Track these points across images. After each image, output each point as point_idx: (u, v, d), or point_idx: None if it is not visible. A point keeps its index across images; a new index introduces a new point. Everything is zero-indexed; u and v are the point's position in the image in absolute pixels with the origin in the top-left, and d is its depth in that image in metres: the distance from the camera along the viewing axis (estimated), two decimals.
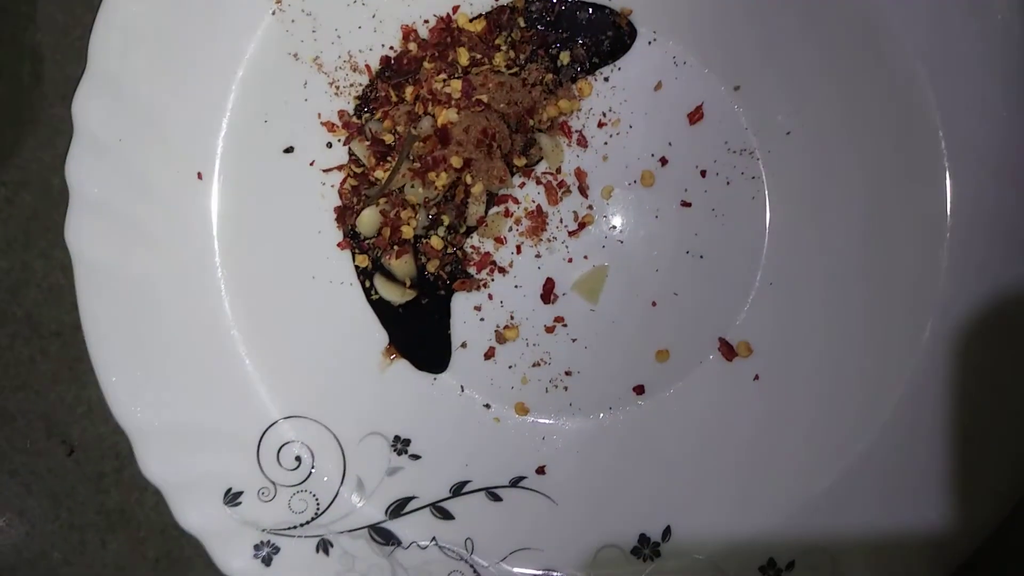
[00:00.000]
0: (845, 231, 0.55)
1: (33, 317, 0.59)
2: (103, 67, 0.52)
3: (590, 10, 0.56)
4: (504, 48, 0.56)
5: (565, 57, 0.56)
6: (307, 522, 0.54)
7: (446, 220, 0.56)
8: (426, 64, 0.56)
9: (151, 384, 0.54)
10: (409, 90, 0.55)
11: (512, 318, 0.57)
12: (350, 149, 0.57)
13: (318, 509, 0.54)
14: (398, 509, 0.55)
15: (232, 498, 0.53)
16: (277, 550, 0.54)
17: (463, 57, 0.55)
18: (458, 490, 0.56)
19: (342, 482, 0.55)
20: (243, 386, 0.55)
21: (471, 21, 0.56)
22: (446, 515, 0.56)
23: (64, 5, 0.58)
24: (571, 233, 0.57)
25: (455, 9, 0.56)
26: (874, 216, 0.54)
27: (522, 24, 0.56)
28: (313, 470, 0.55)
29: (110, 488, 0.60)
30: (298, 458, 0.55)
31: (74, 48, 0.58)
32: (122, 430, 0.53)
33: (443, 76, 0.55)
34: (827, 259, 0.55)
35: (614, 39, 0.56)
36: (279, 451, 0.55)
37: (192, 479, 0.53)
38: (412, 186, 0.56)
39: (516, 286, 0.57)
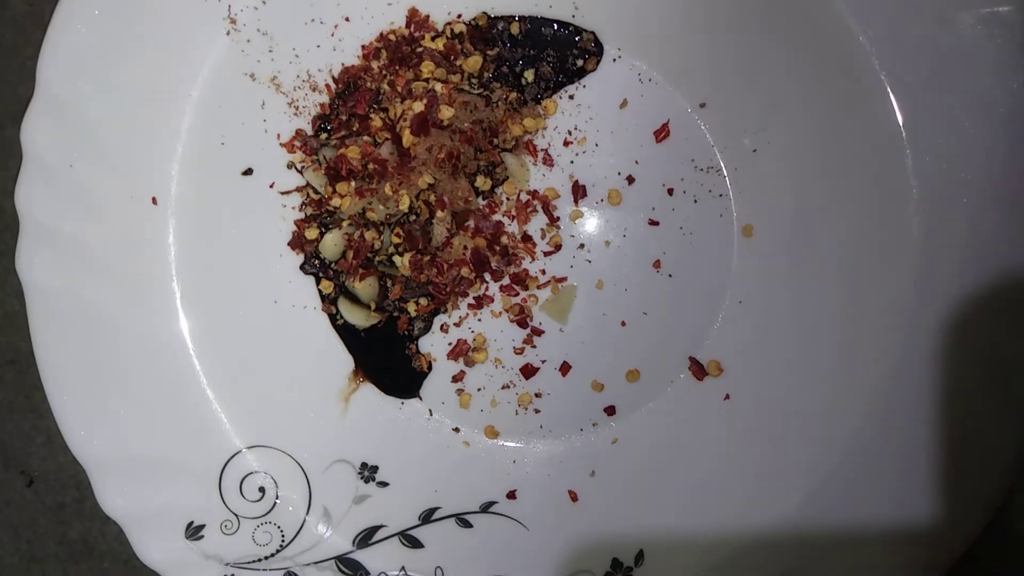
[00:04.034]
0: (813, 248, 0.54)
1: None
2: (52, 90, 0.50)
3: (555, 27, 0.55)
4: (467, 67, 0.55)
5: (530, 75, 0.55)
6: (272, 555, 0.53)
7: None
8: (385, 86, 0.55)
9: (108, 415, 0.52)
10: (377, 121, 0.54)
11: (480, 340, 0.57)
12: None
13: (283, 541, 0.53)
14: (366, 538, 0.54)
15: (194, 532, 0.52)
16: None
17: (427, 69, 0.54)
18: (427, 517, 0.55)
19: (308, 512, 0.54)
20: (204, 415, 0.54)
21: (433, 39, 0.55)
22: (415, 543, 0.55)
23: (14, 24, 0.57)
24: (544, 253, 0.56)
25: (418, 26, 0.55)
26: (842, 233, 0.54)
27: (486, 42, 0.55)
28: (277, 501, 0.54)
29: (71, 519, 0.59)
30: (262, 489, 0.54)
31: (25, 68, 0.56)
32: None
33: (406, 99, 0.54)
34: (796, 276, 0.55)
35: (579, 57, 0.55)
36: (242, 482, 0.54)
37: (152, 512, 0.52)
38: (370, 203, 0.55)
39: (483, 307, 0.57)
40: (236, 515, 0.53)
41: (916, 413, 0.51)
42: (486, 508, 0.55)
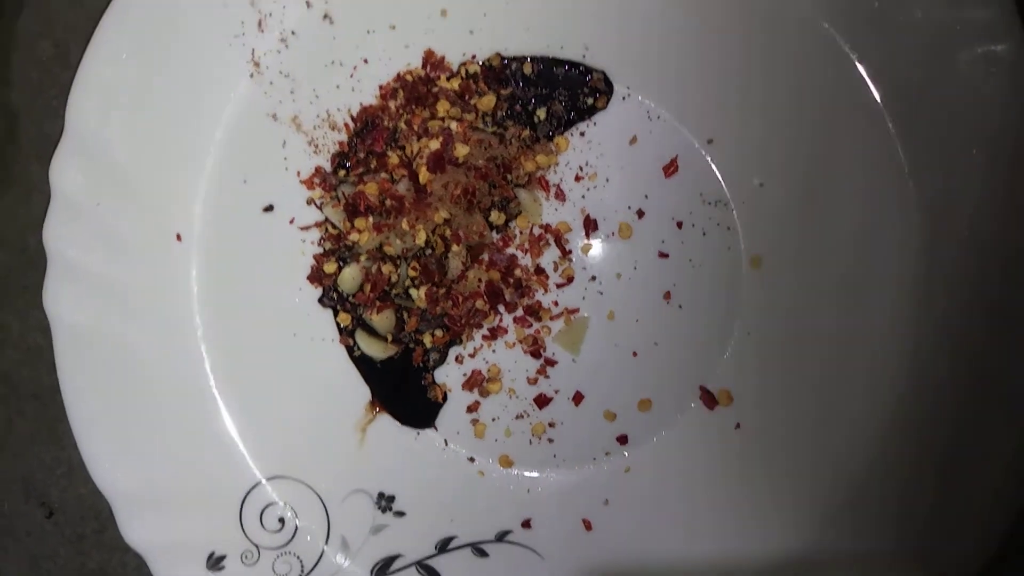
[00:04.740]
0: (820, 279, 0.55)
1: (10, 378, 0.59)
2: (81, 131, 0.52)
3: (566, 67, 0.57)
4: (482, 105, 0.56)
5: (542, 113, 0.57)
6: None
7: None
8: (402, 124, 0.56)
9: (132, 448, 0.53)
10: (394, 158, 0.56)
11: (495, 370, 0.58)
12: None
13: (302, 571, 0.54)
14: (383, 568, 0.55)
15: (215, 562, 0.53)
16: None
17: (443, 108, 0.56)
18: (444, 546, 0.56)
19: (326, 542, 0.55)
20: (225, 447, 0.55)
21: (448, 80, 0.56)
22: (432, 573, 0.55)
23: (39, 64, 0.58)
24: (557, 286, 0.57)
25: (433, 67, 0.57)
26: (849, 265, 0.55)
27: (499, 82, 0.57)
28: (297, 531, 0.55)
29: (91, 550, 0.59)
30: (281, 519, 0.55)
31: (50, 107, 0.58)
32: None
33: (422, 137, 0.56)
34: (803, 306, 0.56)
35: (589, 95, 0.57)
36: (262, 513, 0.54)
37: (174, 543, 0.53)
38: (388, 238, 0.56)
39: (497, 338, 0.58)
40: (256, 546, 0.54)
41: (926, 441, 0.52)
42: (501, 537, 0.56)
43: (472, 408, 0.58)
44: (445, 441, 0.58)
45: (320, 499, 0.55)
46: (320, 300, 0.57)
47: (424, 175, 0.55)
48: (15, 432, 0.59)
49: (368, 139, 0.57)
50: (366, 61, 0.56)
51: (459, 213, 0.56)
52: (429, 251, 0.57)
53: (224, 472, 0.54)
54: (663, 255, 0.57)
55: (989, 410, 0.51)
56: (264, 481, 0.55)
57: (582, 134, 0.57)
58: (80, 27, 0.56)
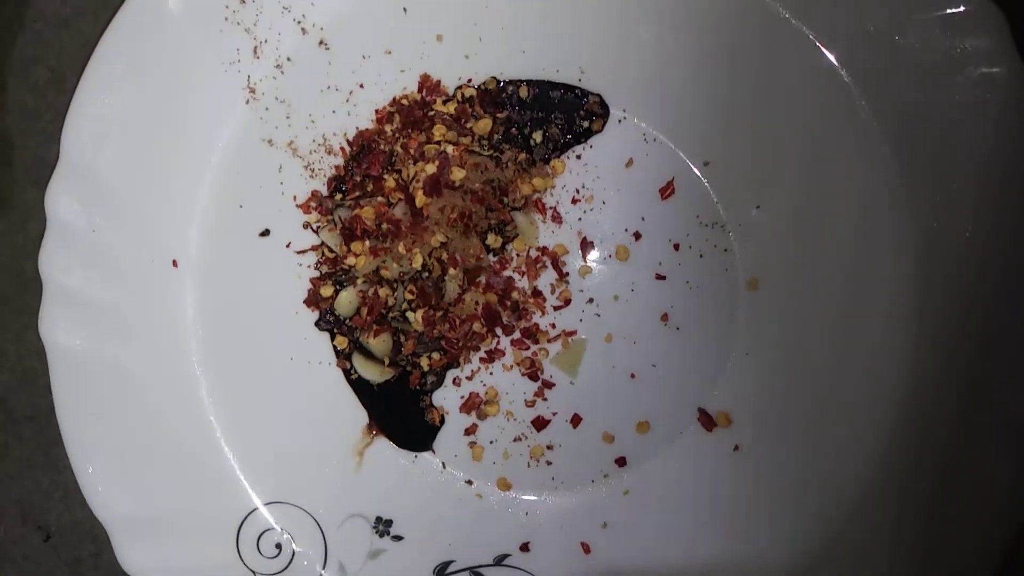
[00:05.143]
0: (818, 301, 0.55)
1: (7, 402, 0.59)
2: (76, 158, 0.52)
3: (562, 90, 0.57)
4: (478, 129, 0.56)
5: (538, 136, 0.57)
6: None
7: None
8: (398, 148, 0.56)
9: (128, 474, 0.53)
10: (390, 182, 0.56)
11: (492, 393, 0.58)
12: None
13: None
14: None
15: None
16: None
17: (439, 132, 0.56)
18: (442, 571, 0.56)
19: (324, 568, 0.55)
20: (221, 473, 0.54)
21: (444, 103, 0.56)
22: None
23: (34, 88, 0.58)
24: (554, 308, 0.57)
25: (429, 91, 0.57)
26: (846, 286, 0.55)
27: (495, 105, 0.57)
28: (294, 557, 0.54)
29: (88, 573, 0.59)
30: (278, 545, 0.54)
31: (45, 132, 0.58)
32: None
33: (419, 161, 0.56)
34: (800, 327, 0.56)
35: (585, 118, 0.57)
36: (259, 538, 0.54)
37: (171, 569, 0.52)
38: (384, 261, 0.56)
39: (495, 361, 0.58)
40: (253, 572, 0.54)
41: (923, 463, 0.52)
42: (500, 561, 0.56)
43: (470, 431, 0.58)
44: (443, 464, 0.58)
45: (317, 524, 0.55)
46: (317, 324, 0.57)
47: (420, 199, 0.55)
48: (12, 455, 0.59)
49: (364, 163, 0.57)
50: (362, 86, 0.56)
51: (456, 236, 0.56)
52: (426, 274, 0.57)
53: (221, 497, 0.54)
54: (660, 277, 0.57)
55: (990, 434, 0.51)
56: (261, 506, 0.55)
57: (578, 157, 0.57)
58: (75, 52, 0.57)
